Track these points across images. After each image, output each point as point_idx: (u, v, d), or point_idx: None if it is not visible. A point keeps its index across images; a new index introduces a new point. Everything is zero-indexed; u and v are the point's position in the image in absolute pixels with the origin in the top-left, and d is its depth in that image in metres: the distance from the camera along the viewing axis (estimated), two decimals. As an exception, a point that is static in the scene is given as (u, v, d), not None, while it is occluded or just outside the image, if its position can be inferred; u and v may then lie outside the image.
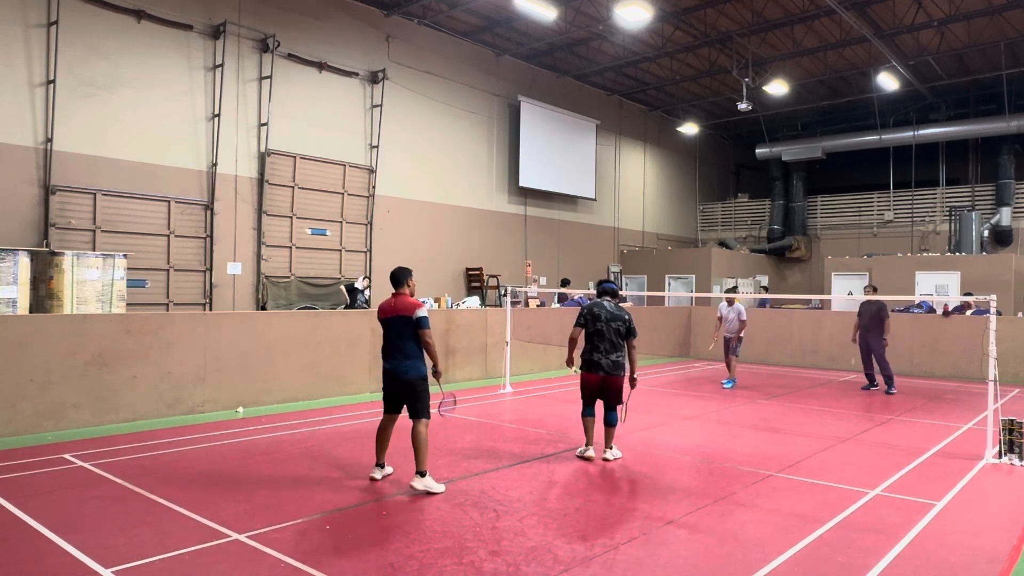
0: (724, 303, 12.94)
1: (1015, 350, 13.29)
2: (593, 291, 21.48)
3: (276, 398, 9.93)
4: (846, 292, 19.85)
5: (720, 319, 12.87)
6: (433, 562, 4.33)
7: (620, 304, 7.24)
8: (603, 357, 6.96)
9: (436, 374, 6.11)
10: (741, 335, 12.67)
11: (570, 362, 7.27)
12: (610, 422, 7.09)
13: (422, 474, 5.80)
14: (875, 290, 12.32)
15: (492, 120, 19.13)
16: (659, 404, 10.61)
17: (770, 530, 5.01)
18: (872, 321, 11.89)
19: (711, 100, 23.67)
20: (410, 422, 6.01)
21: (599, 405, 7.23)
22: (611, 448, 7.13)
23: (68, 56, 11.52)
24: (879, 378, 12.20)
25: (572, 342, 7.24)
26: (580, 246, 22.17)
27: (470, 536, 4.79)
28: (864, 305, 12.18)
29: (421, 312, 6.00)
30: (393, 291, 6.22)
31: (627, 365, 7.14)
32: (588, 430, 7.17)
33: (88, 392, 8.20)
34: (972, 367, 12.96)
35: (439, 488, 5.82)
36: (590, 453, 7.07)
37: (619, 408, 7.10)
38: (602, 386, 7.03)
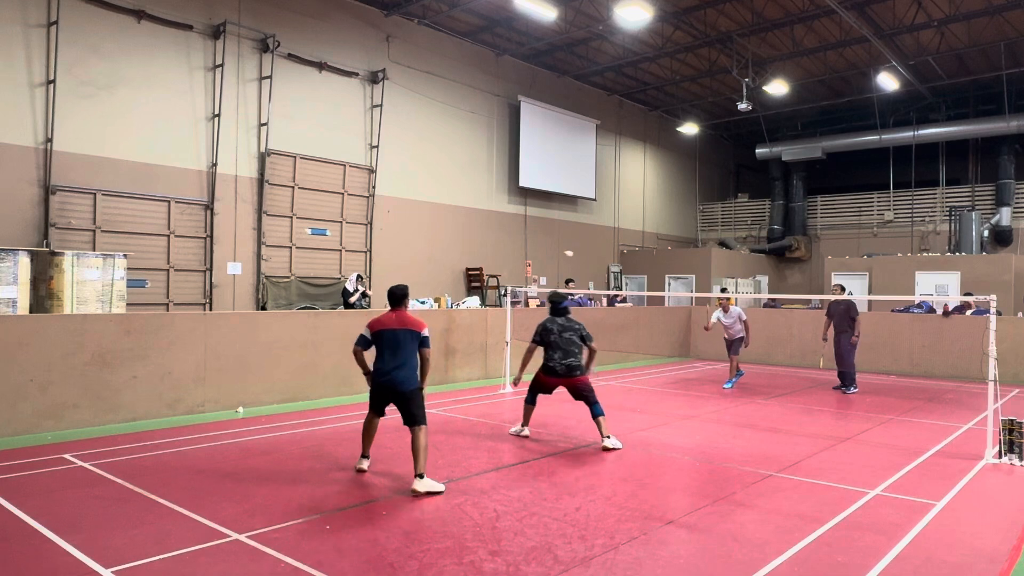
0: (719, 311, 12.50)
1: (1015, 350, 13.29)
2: (593, 290, 21.48)
3: (276, 398, 9.93)
4: (847, 292, 19.82)
5: (721, 325, 12.54)
6: (433, 562, 4.33)
7: (570, 317, 8.05)
8: (558, 364, 7.77)
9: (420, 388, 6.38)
10: (746, 337, 12.51)
11: (517, 381, 8.28)
12: (596, 414, 7.69)
13: (421, 476, 5.83)
14: (843, 289, 12.31)
15: (492, 120, 19.13)
16: (659, 404, 10.61)
17: (770, 530, 5.01)
18: (843, 321, 11.87)
19: (711, 100, 23.67)
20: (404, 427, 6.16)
21: (554, 397, 8.07)
22: (608, 437, 7.61)
23: (68, 56, 11.52)
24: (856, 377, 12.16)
25: (527, 355, 8.09)
26: (580, 246, 22.14)
27: (470, 536, 4.79)
28: (833, 305, 12.13)
29: (427, 331, 6.30)
30: (392, 307, 6.38)
31: (585, 368, 7.90)
32: (527, 414, 8.08)
33: (88, 392, 8.20)
34: (972, 367, 12.95)
35: (440, 487, 5.85)
36: (526, 432, 8.03)
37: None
38: (565, 387, 7.82)
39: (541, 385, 8.00)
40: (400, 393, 6.10)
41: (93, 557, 4.33)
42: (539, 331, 7.96)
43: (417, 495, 5.70)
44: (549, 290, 17.88)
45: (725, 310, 12.50)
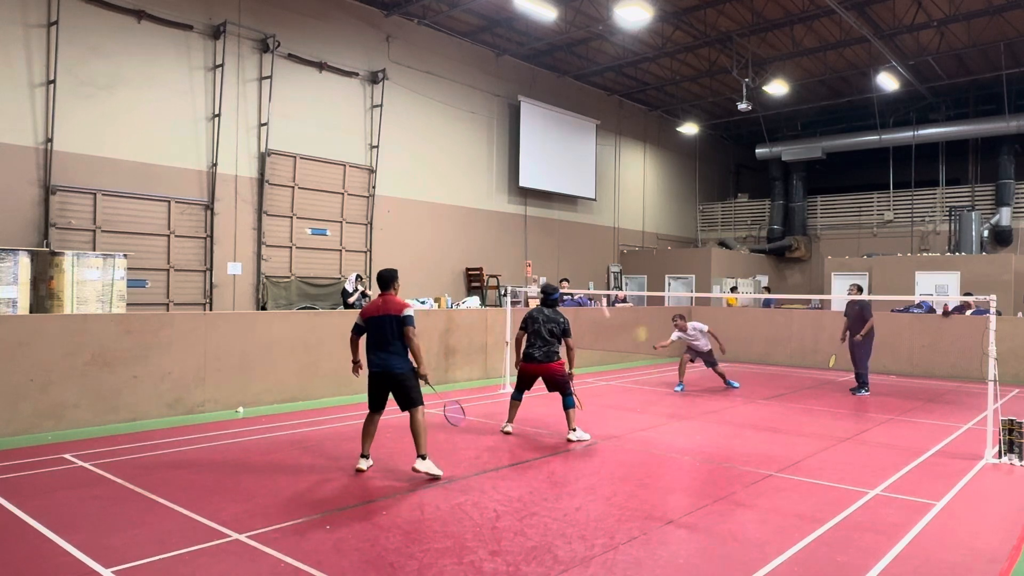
0: (676, 332, 11.87)
1: (1015, 350, 13.29)
2: (593, 290, 21.48)
3: (276, 398, 9.93)
4: (847, 291, 19.83)
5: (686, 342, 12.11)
6: (433, 562, 4.34)
7: (558, 310, 8.32)
8: (537, 350, 8.03)
9: (421, 376, 6.33)
10: (718, 344, 12.19)
11: (518, 364, 8.25)
12: (566, 406, 7.96)
13: (423, 457, 6.21)
14: (860, 290, 12.20)
15: (492, 120, 19.13)
16: (659, 404, 10.61)
17: (770, 530, 5.01)
18: (856, 322, 11.71)
19: (711, 100, 23.67)
20: (403, 416, 6.32)
21: (554, 396, 8.20)
22: (575, 430, 7.88)
23: (68, 56, 11.51)
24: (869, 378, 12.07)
25: (517, 343, 8.28)
26: (580, 246, 22.16)
27: (470, 536, 4.79)
28: (848, 305, 12.06)
29: (408, 311, 6.30)
30: (380, 292, 6.50)
31: (563, 357, 8.11)
32: (512, 410, 8.28)
33: (88, 392, 8.20)
34: (972, 367, 12.93)
35: (438, 472, 6.15)
36: (508, 428, 8.20)
37: (575, 397, 8.02)
38: (541, 374, 8.03)
39: (523, 377, 8.18)
40: (393, 376, 6.26)
41: (93, 557, 4.32)
42: (525, 319, 8.25)
43: (417, 472, 6.15)
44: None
45: (682, 330, 11.84)
